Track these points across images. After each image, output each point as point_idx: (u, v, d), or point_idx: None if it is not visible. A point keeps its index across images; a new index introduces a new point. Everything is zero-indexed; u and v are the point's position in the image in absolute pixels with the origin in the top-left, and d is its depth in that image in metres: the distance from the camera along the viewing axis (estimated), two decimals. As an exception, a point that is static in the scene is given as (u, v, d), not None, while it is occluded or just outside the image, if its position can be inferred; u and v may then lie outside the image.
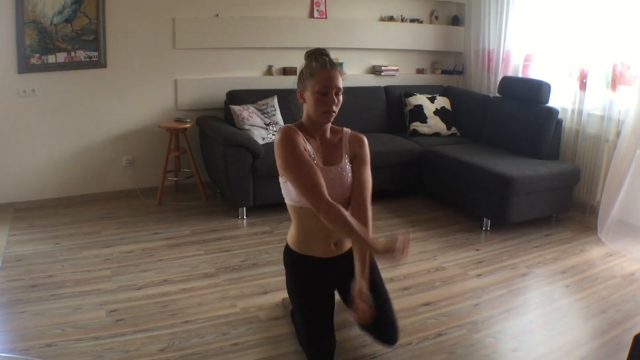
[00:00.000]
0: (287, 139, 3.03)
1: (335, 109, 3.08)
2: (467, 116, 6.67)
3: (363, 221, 3.01)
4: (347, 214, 2.91)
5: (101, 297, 3.99)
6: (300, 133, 3.10)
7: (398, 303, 3.85)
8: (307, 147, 3.08)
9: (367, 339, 3.41)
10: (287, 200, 3.27)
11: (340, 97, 3.08)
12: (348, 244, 3.25)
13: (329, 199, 2.91)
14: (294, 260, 3.34)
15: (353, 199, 3.14)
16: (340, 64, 6.74)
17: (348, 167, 3.18)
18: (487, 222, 5.36)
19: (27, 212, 5.73)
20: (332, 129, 3.26)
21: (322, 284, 3.29)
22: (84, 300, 3.96)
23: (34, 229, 5.31)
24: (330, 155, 3.19)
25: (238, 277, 4.28)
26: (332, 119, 3.13)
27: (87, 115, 5.97)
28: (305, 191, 2.97)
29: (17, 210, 5.76)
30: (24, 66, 5.53)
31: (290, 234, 3.37)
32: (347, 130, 3.30)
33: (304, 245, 3.27)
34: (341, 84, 3.08)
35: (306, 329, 3.19)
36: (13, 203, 5.85)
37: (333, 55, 6.77)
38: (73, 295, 4.02)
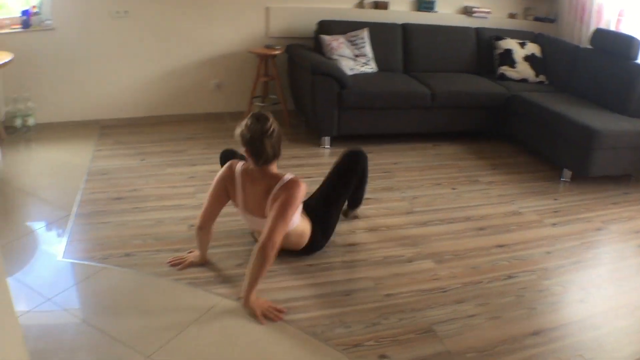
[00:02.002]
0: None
1: None
2: (557, 65, 6.54)
3: None
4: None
5: (183, 213, 4.17)
6: None
7: (472, 242, 3.99)
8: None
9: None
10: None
11: None
12: None
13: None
14: None
15: None
16: (432, 2, 6.71)
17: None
18: (567, 173, 5.31)
19: (113, 129, 5.96)
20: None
21: None
22: (166, 214, 4.15)
23: (120, 145, 5.53)
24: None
25: (318, 203, 4.38)
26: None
27: (177, 38, 6.12)
28: None
29: (103, 127, 6.00)
30: (119, -14, 5.69)
31: None
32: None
33: None
34: None
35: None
36: (100, 120, 6.09)
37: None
38: (156, 209, 4.23)
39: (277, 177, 3.29)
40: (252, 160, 3.22)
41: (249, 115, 3.21)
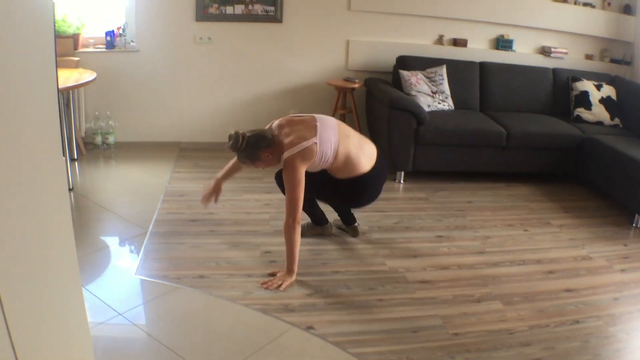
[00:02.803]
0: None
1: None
2: (632, 109, 6.47)
3: None
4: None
5: (258, 239, 4.35)
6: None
7: (542, 285, 4.04)
8: None
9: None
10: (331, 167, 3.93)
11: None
12: None
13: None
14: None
15: None
16: (511, 41, 6.72)
17: None
18: (638, 219, 5.30)
19: (192, 153, 6.22)
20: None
21: None
22: (241, 239, 4.33)
23: (198, 168, 5.77)
24: None
25: (390, 237, 4.51)
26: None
27: (258, 66, 6.38)
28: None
29: (182, 150, 6.27)
30: (202, 15, 6.03)
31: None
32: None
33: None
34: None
35: None
36: (179, 142, 6.38)
37: (503, 31, 6.80)
38: (231, 234, 4.41)
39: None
40: (273, 148, 3.80)
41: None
